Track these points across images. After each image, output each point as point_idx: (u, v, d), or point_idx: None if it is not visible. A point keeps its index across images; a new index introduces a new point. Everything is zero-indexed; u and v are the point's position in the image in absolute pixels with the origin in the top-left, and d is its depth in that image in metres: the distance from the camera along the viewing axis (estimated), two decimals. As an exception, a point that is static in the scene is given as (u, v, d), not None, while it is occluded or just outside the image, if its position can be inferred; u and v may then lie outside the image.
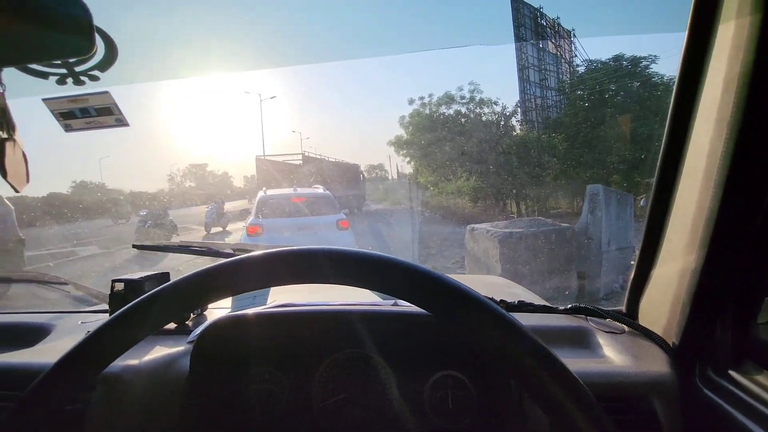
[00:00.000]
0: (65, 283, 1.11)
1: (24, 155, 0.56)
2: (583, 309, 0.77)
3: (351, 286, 0.37)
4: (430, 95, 13.80)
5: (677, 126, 0.61)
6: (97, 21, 0.51)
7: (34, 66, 0.56)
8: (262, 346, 0.68)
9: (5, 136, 0.52)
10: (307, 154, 14.11)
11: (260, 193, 6.29)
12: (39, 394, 0.39)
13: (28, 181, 0.58)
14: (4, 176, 0.52)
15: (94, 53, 0.52)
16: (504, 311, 0.34)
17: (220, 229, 10.20)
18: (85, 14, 0.47)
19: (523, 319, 0.80)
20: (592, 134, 11.40)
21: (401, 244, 7.47)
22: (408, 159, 14.83)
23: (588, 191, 5.29)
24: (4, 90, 0.52)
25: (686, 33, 0.59)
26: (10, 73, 0.56)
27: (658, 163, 0.66)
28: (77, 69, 0.59)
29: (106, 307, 0.92)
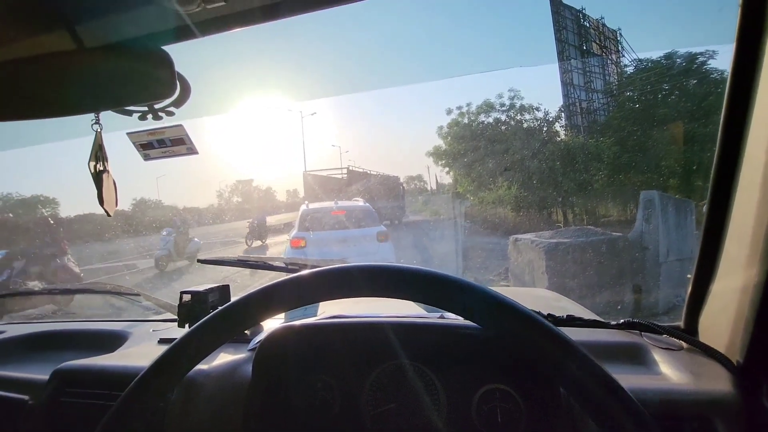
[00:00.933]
0: (137, 294, 1.23)
1: (114, 184, 0.65)
2: (637, 324, 0.75)
3: (405, 299, 0.40)
4: (469, 104, 13.69)
5: (732, 129, 0.59)
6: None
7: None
8: (316, 355, 0.72)
9: (102, 168, 0.60)
10: (351, 168, 14.47)
11: (303, 207, 6.42)
12: (135, 395, 0.45)
13: (117, 205, 0.67)
14: (101, 203, 0.60)
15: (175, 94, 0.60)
16: (552, 325, 0.35)
17: (260, 243, 10.43)
18: (168, 62, 0.54)
19: (573, 334, 0.78)
20: (644, 137, 10.76)
21: (442, 256, 7.39)
22: (447, 169, 14.73)
23: (642, 197, 5.00)
24: (101, 129, 0.60)
25: (737, 26, 0.57)
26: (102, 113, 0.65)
27: (713, 169, 0.64)
28: (156, 106, 0.67)
29: (172, 315, 1.01)
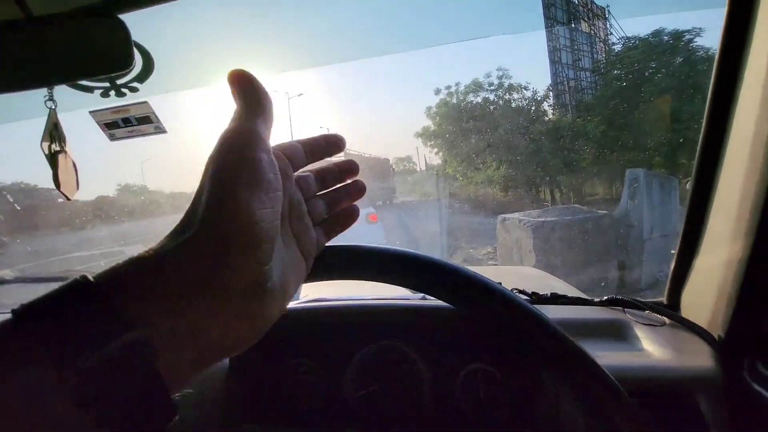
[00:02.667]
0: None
1: (74, 165, 0.61)
2: (620, 300, 0.75)
3: (375, 281, 0.38)
4: (457, 84, 13.55)
5: (718, 105, 0.58)
6: (134, 35, 0.54)
7: (80, 82, 0.60)
8: (298, 340, 0.71)
9: (58, 148, 0.56)
10: (348, 151, 14.46)
11: None
12: None
13: (77, 188, 0.63)
14: (58, 186, 0.56)
15: (133, 67, 0.56)
16: (527, 303, 0.34)
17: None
18: (124, 31, 0.50)
19: (557, 311, 0.78)
20: (630, 115, 10.82)
21: (431, 237, 7.44)
22: (436, 150, 14.67)
23: (627, 175, 5.05)
24: (55, 106, 0.56)
25: (726, 3, 0.55)
26: (59, 90, 0.60)
27: (699, 146, 0.62)
28: (118, 82, 0.63)
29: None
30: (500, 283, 0.47)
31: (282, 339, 0.71)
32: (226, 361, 0.68)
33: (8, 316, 0.19)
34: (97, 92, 0.64)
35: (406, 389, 0.65)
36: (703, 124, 0.60)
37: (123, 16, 0.53)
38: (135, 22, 0.56)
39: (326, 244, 0.39)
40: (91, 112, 0.76)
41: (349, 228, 0.37)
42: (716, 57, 0.58)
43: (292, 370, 0.69)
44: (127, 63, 0.51)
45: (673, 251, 0.71)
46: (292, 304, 0.75)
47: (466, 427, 0.62)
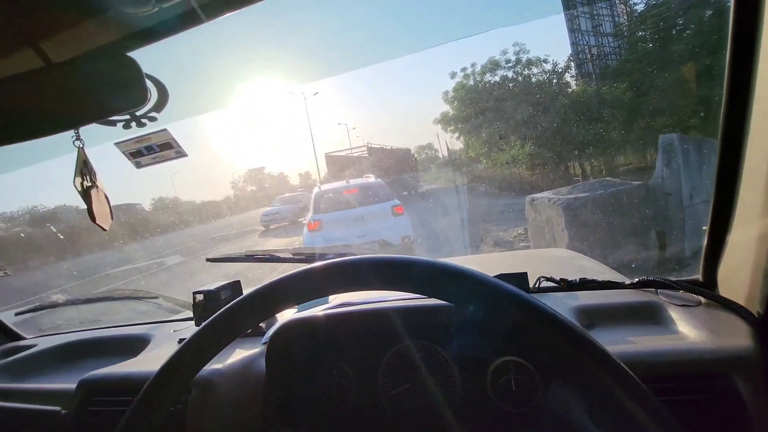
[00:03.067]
0: (156, 297, 1.26)
1: (106, 197, 0.65)
2: (652, 282, 0.72)
3: (382, 290, 0.39)
4: (473, 65, 13.24)
5: (740, 65, 0.54)
6: (147, 68, 0.57)
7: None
8: (329, 344, 0.73)
9: (89, 184, 0.60)
10: (370, 145, 14.65)
11: (315, 189, 6.43)
12: (149, 398, 0.46)
13: (111, 218, 0.67)
14: (93, 219, 0.60)
15: (149, 99, 0.59)
16: (526, 294, 0.34)
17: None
18: (136, 68, 0.53)
19: (587, 297, 0.77)
20: (659, 78, 10.24)
21: (457, 224, 7.35)
22: (457, 134, 14.45)
23: (661, 141, 4.80)
24: (83, 145, 0.60)
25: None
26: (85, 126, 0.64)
27: (722, 111, 0.59)
28: (138, 113, 0.66)
29: (191, 314, 1.04)
30: (524, 274, 0.46)
31: (315, 344, 0.73)
32: (263, 366, 0.71)
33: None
34: (120, 124, 0.67)
35: (436, 387, 0.67)
36: (725, 87, 0.57)
37: (135, 53, 0.56)
38: (146, 54, 0.59)
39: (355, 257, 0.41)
40: (116, 143, 0.81)
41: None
42: (731, 15, 0.55)
43: (326, 374, 0.72)
44: (143, 97, 0.54)
45: (704, 227, 0.68)
46: (319, 310, 0.77)
47: (498, 421, 0.63)
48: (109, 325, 1.18)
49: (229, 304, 0.46)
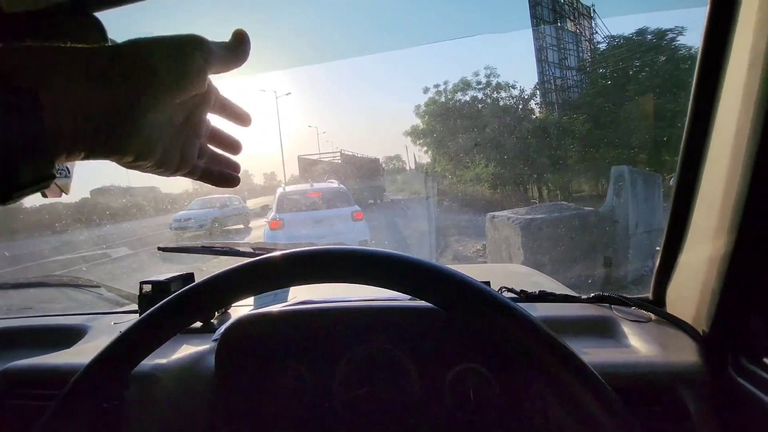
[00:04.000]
0: (97, 286, 1.16)
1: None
2: (607, 297, 0.75)
3: (361, 284, 0.37)
4: (446, 82, 13.63)
5: (702, 102, 0.58)
6: (112, 34, 0.52)
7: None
8: (285, 343, 0.70)
9: None
10: (343, 152, 14.88)
11: (279, 190, 6.66)
12: (76, 392, 0.41)
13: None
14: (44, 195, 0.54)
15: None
16: (511, 302, 0.33)
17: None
18: (100, 30, 0.48)
19: (545, 309, 0.78)
20: (616, 113, 11.00)
21: (420, 235, 7.45)
22: (425, 148, 14.75)
23: (613, 172, 5.12)
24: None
25: (708, 5, 0.56)
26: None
27: (682, 142, 0.63)
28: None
29: (136, 307, 0.96)
30: (488, 282, 0.47)
31: (269, 343, 0.69)
32: (212, 364, 0.67)
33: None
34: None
35: (394, 392, 0.65)
36: (687, 121, 0.60)
37: (98, 14, 0.51)
38: (111, 20, 0.54)
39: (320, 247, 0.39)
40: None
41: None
42: (699, 55, 0.59)
43: (279, 375, 0.68)
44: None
45: (657, 248, 0.72)
46: (277, 307, 0.74)
47: (455, 430, 0.62)
48: (40, 314, 1.07)
49: (176, 293, 0.42)
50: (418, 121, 14.24)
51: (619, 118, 10.81)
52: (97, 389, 0.42)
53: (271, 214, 6.12)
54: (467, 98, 13.33)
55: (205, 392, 0.65)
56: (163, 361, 0.65)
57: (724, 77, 0.55)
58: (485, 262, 5.32)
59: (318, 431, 0.66)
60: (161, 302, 0.42)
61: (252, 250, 0.97)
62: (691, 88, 0.60)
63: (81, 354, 0.76)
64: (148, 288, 0.85)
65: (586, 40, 14.75)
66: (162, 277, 0.86)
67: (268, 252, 0.42)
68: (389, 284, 0.37)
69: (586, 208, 5.27)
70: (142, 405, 0.61)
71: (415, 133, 14.41)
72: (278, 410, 0.66)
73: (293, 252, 0.39)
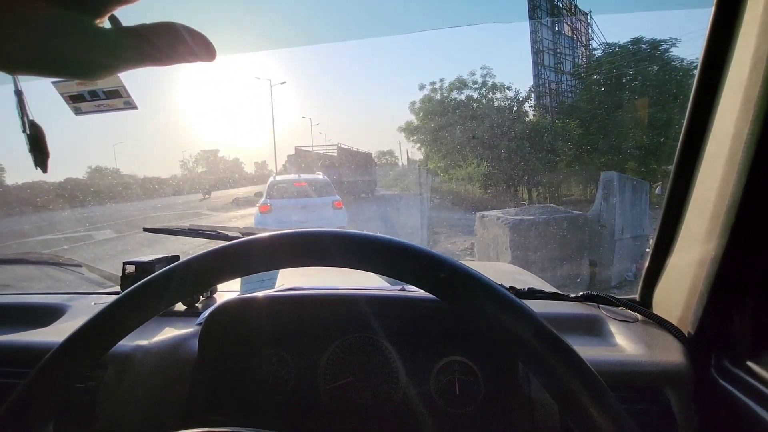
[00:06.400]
0: (79, 265, 1.13)
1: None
2: (595, 297, 0.75)
3: (357, 269, 0.36)
4: (442, 80, 13.59)
5: (700, 107, 0.58)
6: None
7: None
8: (270, 329, 0.68)
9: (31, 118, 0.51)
10: (340, 145, 15.02)
11: (270, 179, 7.37)
12: (49, 371, 0.39)
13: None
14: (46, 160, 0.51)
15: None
16: (513, 296, 0.33)
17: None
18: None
19: (533, 306, 0.78)
20: (607, 120, 11.13)
21: (410, 230, 7.48)
22: (418, 145, 14.73)
23: (602, 178, 5.19)
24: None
25: (713, 8, 0.56)
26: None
27: (678, 146, 0.63)
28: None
29: (118, 289, 0.94)
30: None
31: (254, 329, 0.68)
32: (195, 348, 0.65)
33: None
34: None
35: (379, 382, 0.64)
36: (684, 123, 0.61)
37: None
38: None
39: (314, 229, 0.37)
40: (54, 83, 0.71)
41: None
42: (701, 57, 0.58)
43: (263, 361, 0.67)
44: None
45: (647, 249, 0.72)
46: (266, 293, 0.72)
47: (439, 422, 0.62)
48: (18, 292, 1.04)
49: (164, 268, 0.40)
50: (412, 117, 14.22)
51: (611, 125, 10.95)
52: (71, 369, 0.41)
53: (262, 200, 6.74)
54: (462, 97, 13.34)
55: (186, 377, 0.63)
56: (144, 342, 0.63)
57: (725, 80, 0.55)
58: (473, 260, 5.35)
59: (301, 419, 0.65)
60: (141, 281, 0.40)
61: (240, 234, 0.95)
62: (682, 98, 0.61)
63: (57, 333, 0.74)
64: (131, 269, 0.83)
65: (582, 46, 14.88)
66: (146, 258, 0.84)
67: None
68: (389, 271, 0.35)
69: (574, 211, 5.32)
70: (118, 386, 0.59)
71: (408, 129, 14.38)
72: (260, 397, 0.65)
73: (284, 234, 0.38)
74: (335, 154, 14.45)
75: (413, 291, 0.70)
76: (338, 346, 0.67)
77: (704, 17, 0.58)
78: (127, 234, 7.67)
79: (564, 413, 0.31)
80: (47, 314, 0.88)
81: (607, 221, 4.87)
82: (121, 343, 0.41)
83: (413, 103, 14.04)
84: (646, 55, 11.29)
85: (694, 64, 0.60)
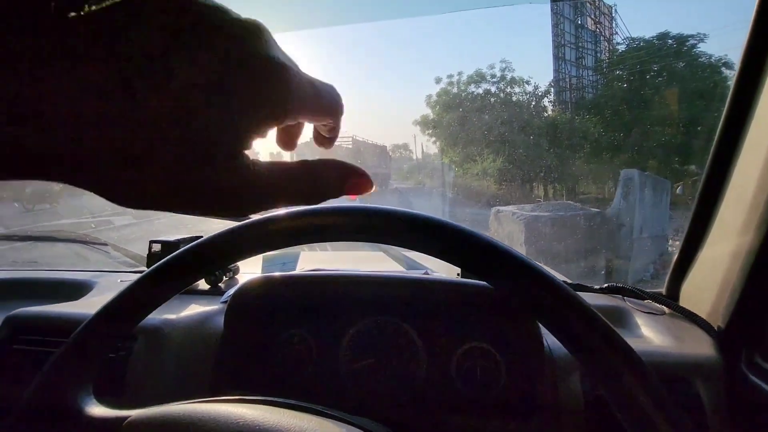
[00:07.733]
0: (105, 244, 1.16)
1: None
2: (621, 288, 0.74)
3: (405, 248, 0.35)
4: (460, 73, 13.39)
5: (742, 93, 0.57)
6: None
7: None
8: (293, 309, 0.69)
9: None
10: (355, 138, 14.93)
11: None
12: (83, 340, 0.41)
13: None
14: None
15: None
16: (566, 286, 0.32)
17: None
18: None
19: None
20: (629, 117, 10.84)
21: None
22: (434, 139, 14.61)
23: (622, 176, 5.08)
24: None
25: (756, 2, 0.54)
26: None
27: (717, 134, 0.61)
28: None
29: (143, 268, 0.96)
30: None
31: (277, 308, 0.69)
32: (220, 324, 0.67)
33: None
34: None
35: (400, 366, 0.65)
36: (724, 111, 0.59)
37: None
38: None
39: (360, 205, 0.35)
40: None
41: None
42: (744, 45, 0.56)
43: (286, 340, 0.68)
44: None
45: (669, 248, 0.70)
46: (289, 273, 0.73)
47: (460, 406, 0.62)
48: (47, 268, 1.07)
49: (189, 245, 0.41)
50: (428, 111, 14.09)
51: (633, 122, 10.66)
52: (103, 339, 0.42)
53: None
54: (480, 91, 13.11)
55: (211, 352, 0.65)
56: (172, 316, 0.65)
57: (766, 74, 0.53)
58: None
59: (321, 398, 0.66)
60: (167, 257, 0.41)
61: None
62: (708, 96, 0.59)
63: (87, 306, 0.76)
64: (157, 247, 0.85)
65: (605, 40, 14.48)
66: (171, 238, 0.86)
67: None
68: (438, 252, 0.34)
69: (592, 209, 5.23)
70: (148, 358, 0.61)
71: (424, 123, 14.24)
72: (283, 375, 0.66)
73: (305, 209, 0.37)
74: (350, 146, 14.46)
75: (436, 275, 0.70)
76: (360, 328, 0.67)
77: (740, 8, 0.57)
78: (145, 220, 7.81)
79: (618, 411, 0.30)
80: (76, 289, 0.91)
81: (626, 220, 4.77)
82: (150, 316, 0.43)
83: (429, 96, 13.91)
84: (671, 50, 10.92)
85: (723, 61, 0.58)
